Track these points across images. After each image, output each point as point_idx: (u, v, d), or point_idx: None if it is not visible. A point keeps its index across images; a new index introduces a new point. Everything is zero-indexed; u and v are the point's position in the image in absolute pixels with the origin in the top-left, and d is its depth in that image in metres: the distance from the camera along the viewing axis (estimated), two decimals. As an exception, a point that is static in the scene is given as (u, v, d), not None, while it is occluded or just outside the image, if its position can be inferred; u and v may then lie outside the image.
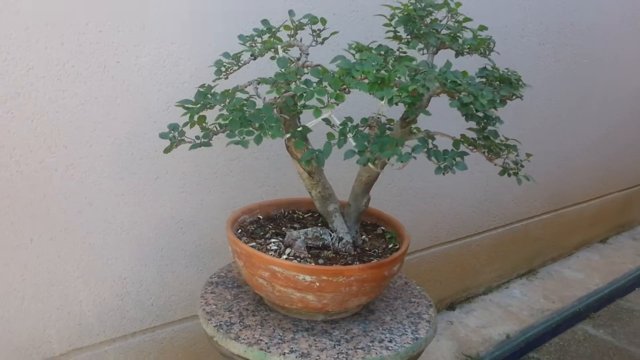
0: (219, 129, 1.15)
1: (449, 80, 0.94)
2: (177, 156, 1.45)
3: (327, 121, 1.02)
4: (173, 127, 1.15)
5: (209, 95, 1.14)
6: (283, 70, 1.07)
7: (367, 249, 1.16)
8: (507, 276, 2.69)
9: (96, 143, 1.33)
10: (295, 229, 1.22)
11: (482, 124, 0.97)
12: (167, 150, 1.18)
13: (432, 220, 2.23)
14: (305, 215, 1.30)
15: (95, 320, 1.43)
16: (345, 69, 0.96)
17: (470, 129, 1.02)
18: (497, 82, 1.01)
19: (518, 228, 2.64)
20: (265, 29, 1.17)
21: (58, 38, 1.22)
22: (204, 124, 1.14)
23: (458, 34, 1.09)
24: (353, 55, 1.20)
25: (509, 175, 1.07)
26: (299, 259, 1.08)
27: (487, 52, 1.06)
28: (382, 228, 1.26)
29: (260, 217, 1.27)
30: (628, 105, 3.04)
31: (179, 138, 1.15)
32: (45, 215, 1.30)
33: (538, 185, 2.51)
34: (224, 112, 1.03)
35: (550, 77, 2.51)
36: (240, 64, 1.16)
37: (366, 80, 0.95)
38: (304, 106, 1.01)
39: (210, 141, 1.13)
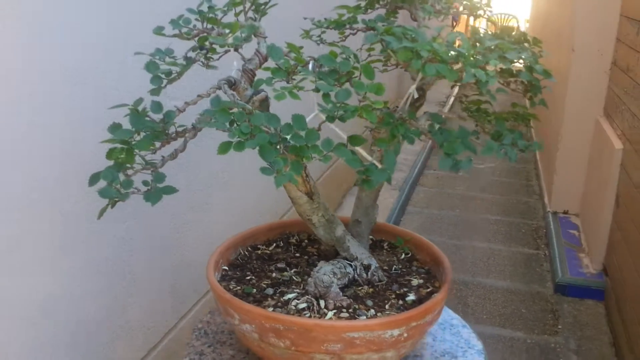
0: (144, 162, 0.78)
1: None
2: (40, 210, 0.96)
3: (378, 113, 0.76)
4: (110, 176, 0.74)
5: (148, 118, 0.75)
6: (281, 63, 0.76)
7: (385, 267, 0.94)
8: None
9: None
10: (283, 270, 0.92)
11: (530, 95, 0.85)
12: (101, 213, 0.76)
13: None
14: (270, 249, 0.99)
15: None
16: (409, 48, 0.71)
17: (515, 103, 0.88)
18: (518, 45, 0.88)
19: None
20: (207, 7, 0.81)
21: None
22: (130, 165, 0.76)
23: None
24: (320, 35, 0.93)
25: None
26: (344, 310, 0.81)
27: (484, 13, 0.92)
28: (372, 237, 1.03)
29: (226, 267, 0.92)
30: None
31: (124, 191, 0.74)
32: None
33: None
34: (235, 138, 0.68)
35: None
36: (189, 65, 0.78)
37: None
38: (345, 107, 0.73)
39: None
